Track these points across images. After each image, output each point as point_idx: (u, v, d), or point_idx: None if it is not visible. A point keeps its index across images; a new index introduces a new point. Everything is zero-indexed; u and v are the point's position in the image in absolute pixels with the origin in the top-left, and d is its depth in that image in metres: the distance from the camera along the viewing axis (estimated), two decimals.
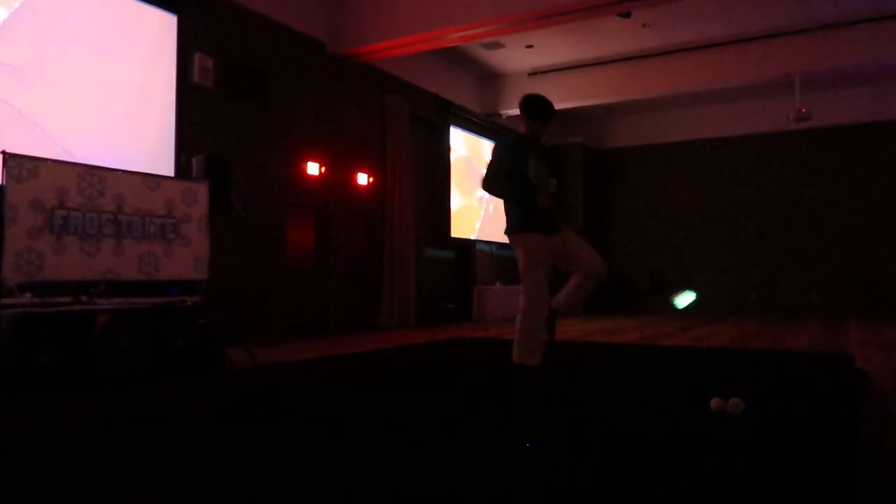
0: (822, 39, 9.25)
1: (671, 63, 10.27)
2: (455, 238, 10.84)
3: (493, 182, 3.93)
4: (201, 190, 5.20)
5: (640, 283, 13.87)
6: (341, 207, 8.62)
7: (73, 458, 2.41)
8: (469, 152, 11.52)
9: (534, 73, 11.03)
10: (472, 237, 11.35)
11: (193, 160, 5.61)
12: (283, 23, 7.76)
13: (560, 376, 4.23)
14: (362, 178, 8.93)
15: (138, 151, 6.02)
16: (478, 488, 1.99)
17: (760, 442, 2.55)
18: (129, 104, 6.08)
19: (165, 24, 6.42)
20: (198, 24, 6.71)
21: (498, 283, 11.15)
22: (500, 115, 11.66)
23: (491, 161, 4.01)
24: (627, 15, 8.34)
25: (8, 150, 4.04)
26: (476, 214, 11.61)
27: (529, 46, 10.18)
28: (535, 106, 4.00)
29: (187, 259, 5.04)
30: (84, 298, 4.45)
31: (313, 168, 8.08)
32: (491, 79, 11.61)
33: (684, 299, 4.11)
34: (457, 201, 10.97)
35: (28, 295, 4.17)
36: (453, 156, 10.96)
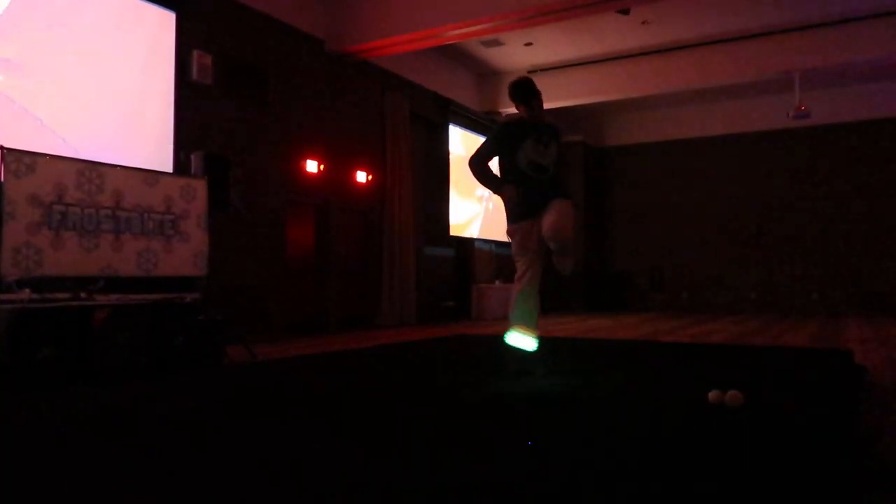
0: (822, 36, 9.25)
1: (670, 60, 10.27)
2: (454, 236, 10.84)
3: (474, 161, 4.17)
4: (200, 186, 5.19)
5: (640, 281, 13.88)
6: (341, 205, 8.62)
7: (68, 452, 2.40)
8: (468, 150, 11.51)
9: (533, 71, 11.01)
10: (472, 235, 11.34)
11: (192, 157, 5.61)
12: (282, 20, 7.75)
13: (557, 371, 4.23)
14: (361, 176, 8.93)
15: (137, 149, 6.02)
16: (478, 484, 1.99)
17: (759, 434, 2.54)
18: (128, 101, 6.07)
19: (164, 22, 6.42)
20: (197, 21, 6.70)
21: (497, 282, 11.15)
22: (499, 113, 11.66)
23: (485, 141, 4.22)
24: (626, 11, 8.33)
25: (6, 146, 4.04)
26: (475, 213, 11.60)
27: (528, 44, 10.18)
28: (516, 89, 4.20)
29: (186, 255, 5.04)
30: (83, 295, 4.44)
31: (312, 166, 8.08)
32: (490, 77, 11.61)
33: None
34: (456, 199, 10.97)
35: (26, 291, 4.17)
36: (452, 154, 10.95)
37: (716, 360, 5.12)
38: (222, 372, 4.65)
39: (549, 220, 3.90)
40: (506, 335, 4.14)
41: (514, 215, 4.12)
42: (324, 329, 8.17)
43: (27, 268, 4.08)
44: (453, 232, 10.79)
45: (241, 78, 7.19)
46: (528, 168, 4.05)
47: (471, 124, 11.49)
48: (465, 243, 11.13)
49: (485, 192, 11.75)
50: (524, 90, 4.16)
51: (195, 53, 6.61)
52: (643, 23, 9.24)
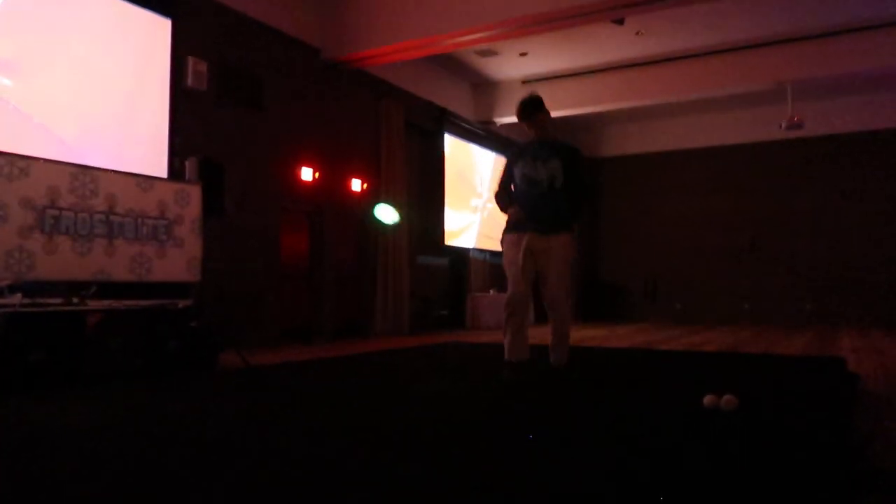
0: (814, 48, 9.32)
1: (664, 71, 10.33)
2: (449, 245, 10.83)
3: (496, 195, 4.37)
4: (194, 192, 5.19)
5: (634, 291, 13.90)
6: (335, 213, 8.61)
7: (56, 455, 2.38)
8: (463, 160, 11.54)
9: (527, 81, 11.08)
10: (466, 245, 11.35)
11: (186, 163, 5.60)
12: (277, 28, 7.77)
13: (553, 378, 4.22)
14: (356, 184, 8.93)
15: (131, 154, 6.00)
16: (475, 488, 1.98)
17: (753, 438, 2.54)
18: (123, 107, 6.06)
19: (159, 28, 6.42)
20: (192, 28, 6.71)
21: (492, 291, 11.15)
22: (493, 123, 11.70)
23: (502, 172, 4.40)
24: (621, 22, 8.38)
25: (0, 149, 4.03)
26: (470, 222, 11.61)
27: (523, 54, 10.23)
28: (518, 109, 4.26)
29: (180, 261, 5.02)
30: (75, 300, 4.42)
31: (307, 173, 8.08)
32: (485, 86, 11.65)
33: (385, 213, 4.34)
34: (451, 208, 10.98)
35: (18, 295, 4.14)
36: (447, 162, 10.97)
37: (711, 368, 5.12)
38: (212, 378, 4.62)
39: (554, 280, 4.03)
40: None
41: (506, 225, 4.23)
42: (317, 336, 8.14)
43: (19, 272, 4.06)
44: (448, 241, 10.79)
45: (236, 85, 7.20)
46: (521, 182, 4.12)
47: (466, 134, 11.52)
48: (460, 252, 11.13)
49: (479, 201, 11.79)
50: (522, 110, 4.23)
51: (190, 60, 6.61)
52: (637, 33, 9.30)
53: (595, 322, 12.25)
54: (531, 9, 7.41)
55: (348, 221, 8.88)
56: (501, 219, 4.29)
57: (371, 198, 9.09)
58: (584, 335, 8.88)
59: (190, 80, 6.59)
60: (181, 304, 4.98)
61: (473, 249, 11.39)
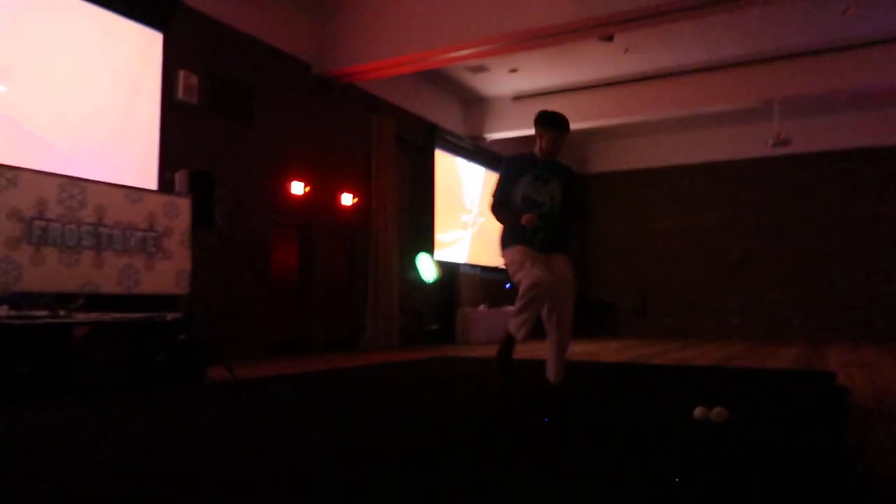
0: (801, 66, 9.46)
1: (653, 88, 10.44)
2: (439, 260, 10.83)
3: (493, 207, 4.13)
4: (184, 204, 5.16)
5: (624, 307, 13.93)
6: (326, 227, 8.60)
7: (36, 467, 2.35)
8: (453, 175, 11.57)
9: (518, 98, 11.16)
10: (457, 259, 11.35)
11: (177, 175, 5.58)
12: (268, 43, 7.80)
13: (544, 390, 4.21)
14: (347, 198, 8.93)
15: (122, 166, 5.99)
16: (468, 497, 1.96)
17: (744, 451, 2.54)
18: (114, 119, 6.06)
19: (151, 41, 6.43)
20: (183, 42, 6.73)
21: (482, 306, 11.13)
22: (483, 139, 11.76)
23: (496, 183, 4.17)
24: (610, 38, 8.47)
25: None
26: (461, 237, 11.62)
27: (513, 70, 10.31)
28: (544, 114, 4.09)
29: (168, 273, 4.99)
30: (62, 313, 4.38)
31: (298, 187, 8.08)
32: (476, 102, 11.72)
33: (426, 267, 4.25)
34: (441, 223, 10.99)
35: (4, 307, 4.10)
36: (438, 178, 11.00)
37: (701, 382, 5.12)
38: (196, 390, 4.58)
39: (565, 299, 3.95)
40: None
41: (510, 239, 4.05)
42: (307, 350, 8.10)
43: (6, 283, 4.02)
44: (438, 256, 10.79)
45: (227, 98, 7.20)
46: (522, 203, 3.99)
47: (456, 149, 11.57)
48: (451, 267, 11.12)
49: (470, 217, 11.81)
50: (548, 118, 4.07)
51: (181, 73, 6.62)
52: (626, 51, 9.41)
53: (586, 338, 12.25)
54: (521, 25, 7.48)
55: (339, 235, 8.87)
56: (492, 233, 4.22)
57: (363, 213, 9.09)
58: (576, 351, 8.85)
59: (181, 93, 6.60)
60: (169, 316, 4.94)
61: (464, 264, 11.39)
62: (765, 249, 12.75)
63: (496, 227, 4.25)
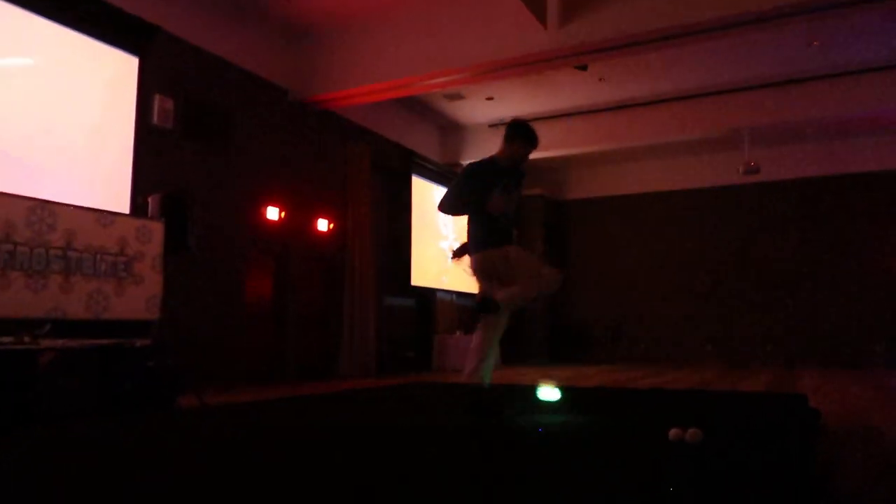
0: (770, 96, 9.69)
1: (626, 116, 10.62)
2: (415, 286, 10.80)
3: (447, 202, 4.10)
4: (157, 228, 5.11)
5: (599, 333, 13.96)
6: (301, 253, 8.55)
7: None
8: (431, 201, 11.60)
9: (494, 125, 11.27)
10: (433, 286, 11.32)
11: (150, 199, 5.53)
12: (244, 68, 7.81)
13: (520, 412, 4.19)
14: (323, 224, 8.90)
15: (94, 190, 5.91)
16: None
17: (718, 470, 2.54)
18: (88, 142, 5.99)
19: (127, 66, 6.40)
20: (160, 66, 6.71)
21: (458, 333, 11.09)
22: (460, 165, 11.82)
23: (455, 183, 4.13)
24: (584, 67, 8.63)
25: None
26: (437, 263, 11.62)
27: (490, 98, 10.43)
28: (519, 125, 4.12)
29: (139, 298, 4.90)
30: (27, 339, 4.27)
31: (273, 212, 8.03)
32: (453, 129, 11.82)
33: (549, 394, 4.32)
34: (418, 249, 10.98)
35: None
36: (415, 204, 11.02)
37: (676, 404, 5.13)
38: (164, 418, 4.48)
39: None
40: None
41: (475, 246, 4.11)
42: (281, 378, 7.99)
43: None
44: (415, 282, 10.76)
45: (203, 123, 7.18)
46: (497, 216, 4.03)
47: (433, 175, 11.61)
48: (427, 294, 11.09)
49: (447, 242, 11.82)
50: (528, 134, 4.08)
51: (157, 97, 6.60)
52: (600, 79, 9.57)
53: (562, 363, 12.25)
54: (497, 54, 7.59)
55: (314, 261, 8.82)
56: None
57: (338, 239, 9.06)
58: (552, 376, 8.84)
59: (156, 118, 6.57)
60: (139, 342, 4.84)
61: (440, 290, 11.36)
62: (736, 276, 12.89)
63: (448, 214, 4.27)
